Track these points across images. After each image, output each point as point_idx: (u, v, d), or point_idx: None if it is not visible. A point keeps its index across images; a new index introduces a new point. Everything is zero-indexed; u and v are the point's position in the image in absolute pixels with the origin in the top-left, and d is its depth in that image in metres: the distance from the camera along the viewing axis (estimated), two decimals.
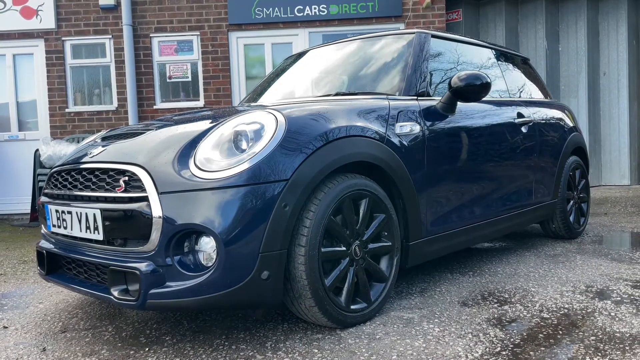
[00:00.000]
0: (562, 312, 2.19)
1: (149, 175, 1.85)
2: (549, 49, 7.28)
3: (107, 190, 1.96)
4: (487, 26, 7.39)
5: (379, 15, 6.42)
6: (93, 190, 2.01)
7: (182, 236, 1.80)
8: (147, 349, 1.94)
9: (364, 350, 1.84)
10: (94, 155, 2.14)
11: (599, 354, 1.75)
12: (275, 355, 1.82)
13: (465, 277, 2.79)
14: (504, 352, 1.79)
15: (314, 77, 3.16)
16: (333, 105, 2.23)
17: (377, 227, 2.17)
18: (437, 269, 2.99)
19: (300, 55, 3.44)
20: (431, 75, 2.74)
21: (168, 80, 6.52)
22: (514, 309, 2.23)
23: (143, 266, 1.79)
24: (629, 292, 2.44)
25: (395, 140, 2.30)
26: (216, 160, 1.86)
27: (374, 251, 2.17)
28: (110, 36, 6.45)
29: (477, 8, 7.43)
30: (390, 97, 2.50)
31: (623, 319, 2.08)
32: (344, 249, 2.05)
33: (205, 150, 1.89)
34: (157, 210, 1.78)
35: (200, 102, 6.49)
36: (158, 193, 1.81)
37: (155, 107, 6.47)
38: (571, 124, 3.93)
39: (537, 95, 3.83)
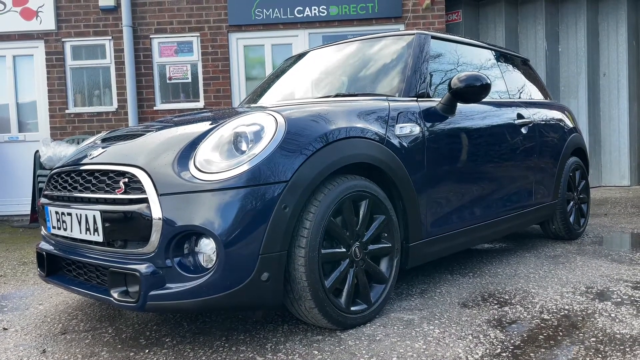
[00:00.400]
0: (563, 313, 2.18)
1: (149, 176, 1.85)
2: (549, 50, 7.28)
3: (107, 192, 1.96)
4: (486, 27, 7.39)
5: (378, 16, 6.42)
6: (93, 191, 2.01)
7: (182, 238, 1.80)
8: (147, 350, 1.94)
9: (364, 352, 1.84)
10: (94, 157, 2.14)
11: (600, 356, 1.75)
12: (275, 357, 1.82)
13: (465, 278, 2.78)
14: (504, 354, 1.78)
15: (314, 78, 3.17)
16: (333, 106, 2.23)
17: (377, 229, 2.17)
18: (437, 270, 2.99)
19: (300, 56, 3.44)
20: (431, 76, 2.74)
21: (168, 81, 6.52)
22: (514, 310, 2.23)
23: (143, 268, 1.78)
24: (629, 293, 2.44)
25: (395, 142, 2.30)
26: (216, 162, 1.85)
27: (374, 252, 2.17)
28: (110, 37, 6.46)
29: (476, 9, 7.43)
30: (390, 98, 2.50)
31: (623, 320, 2.08)
32: (344, 250, 2.05)
33: (205, 152, 1.89)
34: (157, 212, 1.78)
35: (200, 103, 6.49)
36: (158, 195, 1.80)
37: (155, 108, 6.47)
38: (571, 125, 3.93)
39: (537, 96, 3.84)
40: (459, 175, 2.65)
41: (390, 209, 2.23)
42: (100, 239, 1.95)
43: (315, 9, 6.39)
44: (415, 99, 2.56)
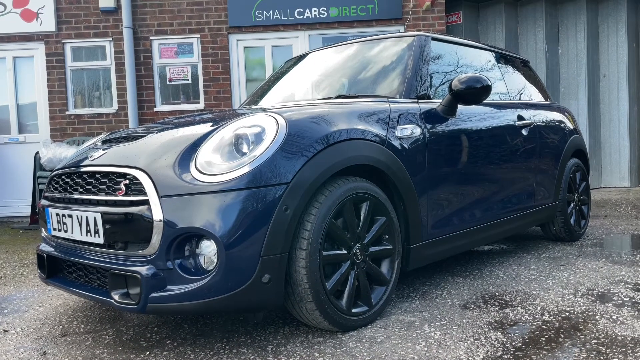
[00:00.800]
0: (564, 315, 2.18)
1: (150, 178, 1.85)
2: (549, 51, 7.29)
3: (107, 194, 1.95)
4: (487, 28, 7.40)
5: (378, 18, 6.43)
6: (94, 193, 2.01)
7: (182, 240, 1.80)
8: (147, 352, 1.93)
9: (365, 354, 1.84)
10: (94, 159, 2.14)
11: (601, 358, 1.74)
12: (276, 359, 1.82)
13: (466, 280, 2.78)
14: (505, 356, 1.78)
15: (315, 79, 3.16)
16: (334, 108, 2.23)
17: (378, 230, 2.17)
18: (438, 271, 2.99)
19: (300, 58, 3.44)
20: (431, 77, 2.74)
21: (168, 82, 6.52)
22: (515, 312, 2.23)
23: (144, 270, 1.78)
24: (630, 295, 2.43)
25: (396, 143, 2.30)
26: (217, 164, 1.85)
27: (375, 254, 2.17)
28: (111, 39, 6.46)
29: (477, 10, 7.44)
30: (390, 99, 2.50)
31: (625, 322, 2.07)
32: (345, 252, 2.04)
33: (206, 154, 1.89)
34: (157, 214, 1.78)
35: (201, 105, 6.49)
36: (159, 196, 1.80)
37: (155, 109, 6.47)
38: (571, 126, 3.93)
39: (538, 97, 3.84)
40: (459, 176, 2.65)
41: (391, 210, 2.23)
42: (101, 240, 1.94)
43: (315, 11, 6.40)
44: (416, 100, 2.56)
